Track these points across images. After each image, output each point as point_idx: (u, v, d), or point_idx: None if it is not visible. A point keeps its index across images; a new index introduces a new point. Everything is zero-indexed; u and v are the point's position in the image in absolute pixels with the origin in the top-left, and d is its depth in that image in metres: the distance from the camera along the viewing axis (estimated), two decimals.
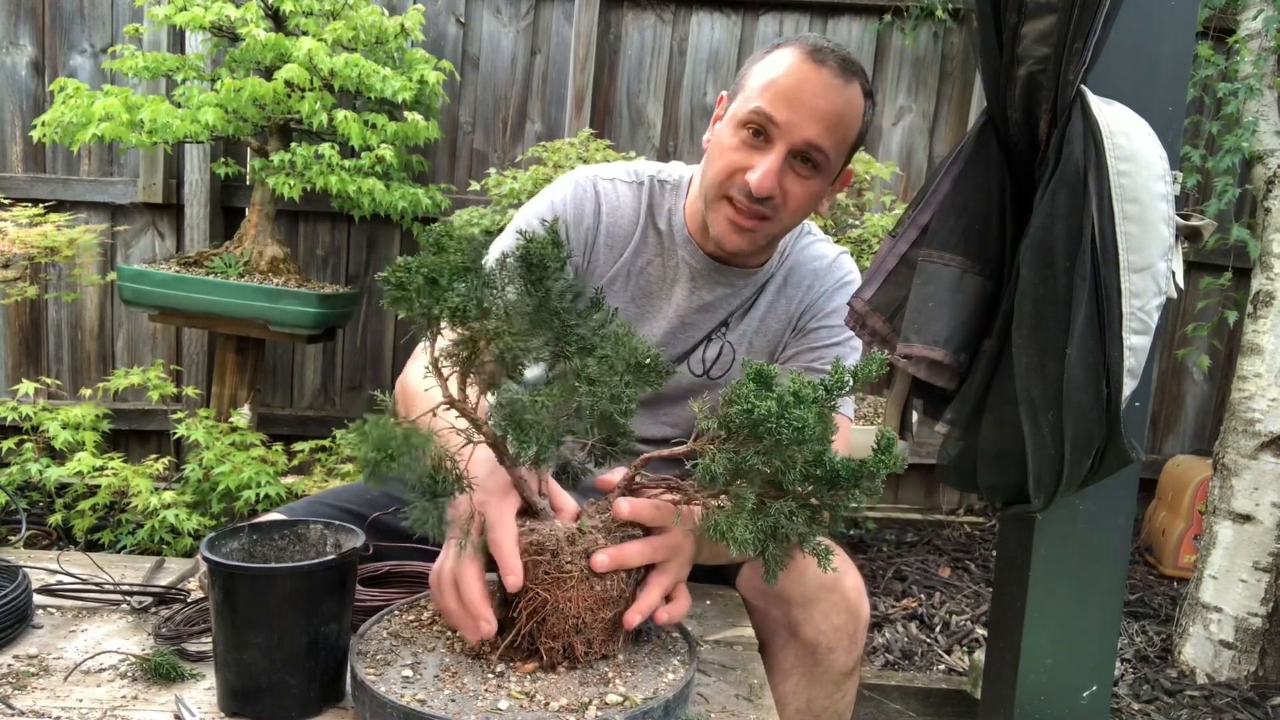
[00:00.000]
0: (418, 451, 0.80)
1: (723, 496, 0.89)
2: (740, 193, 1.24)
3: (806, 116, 1.21)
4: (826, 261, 1.42)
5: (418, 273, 0.80)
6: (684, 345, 1.39)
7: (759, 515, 0.86)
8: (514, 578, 0.85)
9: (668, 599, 0.96)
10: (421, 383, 1.13)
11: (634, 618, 0.90)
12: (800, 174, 1.25)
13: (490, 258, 1.31)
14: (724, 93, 1.34)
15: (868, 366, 0.90)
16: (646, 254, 1.38)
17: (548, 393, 0.85)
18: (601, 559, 0.87)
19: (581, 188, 1.37)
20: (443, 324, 0.84)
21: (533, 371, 0.88)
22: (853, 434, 1.40)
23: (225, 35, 2.89)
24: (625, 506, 0.91)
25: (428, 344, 0.86)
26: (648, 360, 0.89)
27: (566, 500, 0.95)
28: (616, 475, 0.98)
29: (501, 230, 1.48)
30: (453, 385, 0.86)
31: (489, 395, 0.89)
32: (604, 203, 1.37)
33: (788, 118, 1.21)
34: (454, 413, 0.86)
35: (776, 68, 1.23)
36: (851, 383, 0.89)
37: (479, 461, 0.88)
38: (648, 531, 0.94)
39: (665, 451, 0.95)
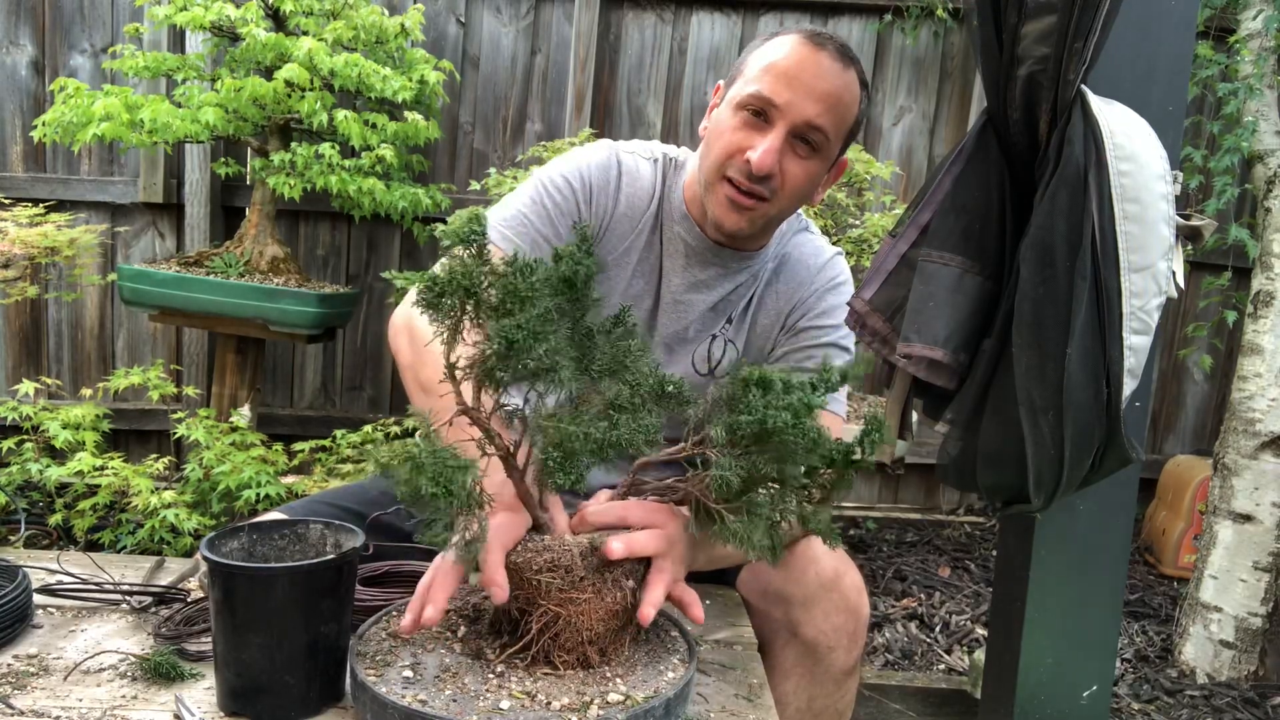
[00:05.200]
0: (466, 480, 0.80)
1: (726, 501, 0.90)
2: (740, 172, 1.24)
3: (806, 96, 1.22)
4: (821, 260, 1.42)
5: (457, 279, 0.80)
6: (677, 325, 1.39)
7: (769, 509, 0.88)
8: (499, 590, 0.86)
9: (671, 600, 0.96)
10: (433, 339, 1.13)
11: (649, 611, 0.91)
12: (799, 154, 1.25)
13: (508, 211, 1.32)
14: (720, 82, 1.34)
15: (856, 366, 0.91)
16: (658, 230, 1.39)
17: (594, 422, 0.85)
18: (616, 546, 0.88)
19: (607, 158, 1.38)
20: (466, 330, 0.84)
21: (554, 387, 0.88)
22: (854, 433, 1.40)
23: (225, 35, 2.89)
24: (619, 545, 0.90)
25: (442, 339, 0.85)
26: (670, 388, 0.91)
27: (562, 514, 0.96)
28: (601, 498, 0.99)
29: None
30: (465, 390, 0.86)
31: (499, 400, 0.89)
32: (625, 175, 1.38)
33: (788, 99, 1.22)
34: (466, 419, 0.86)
35: (776, 52, 1.24)
36: (840, 383, 0.91)
37: (490, 472, 0.88)
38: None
39: (664, 454, 0.95)
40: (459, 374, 0.85)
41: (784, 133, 1.23)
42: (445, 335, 0.84)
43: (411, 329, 1.23)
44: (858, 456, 0.91)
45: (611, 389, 0.88)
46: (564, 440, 0.84)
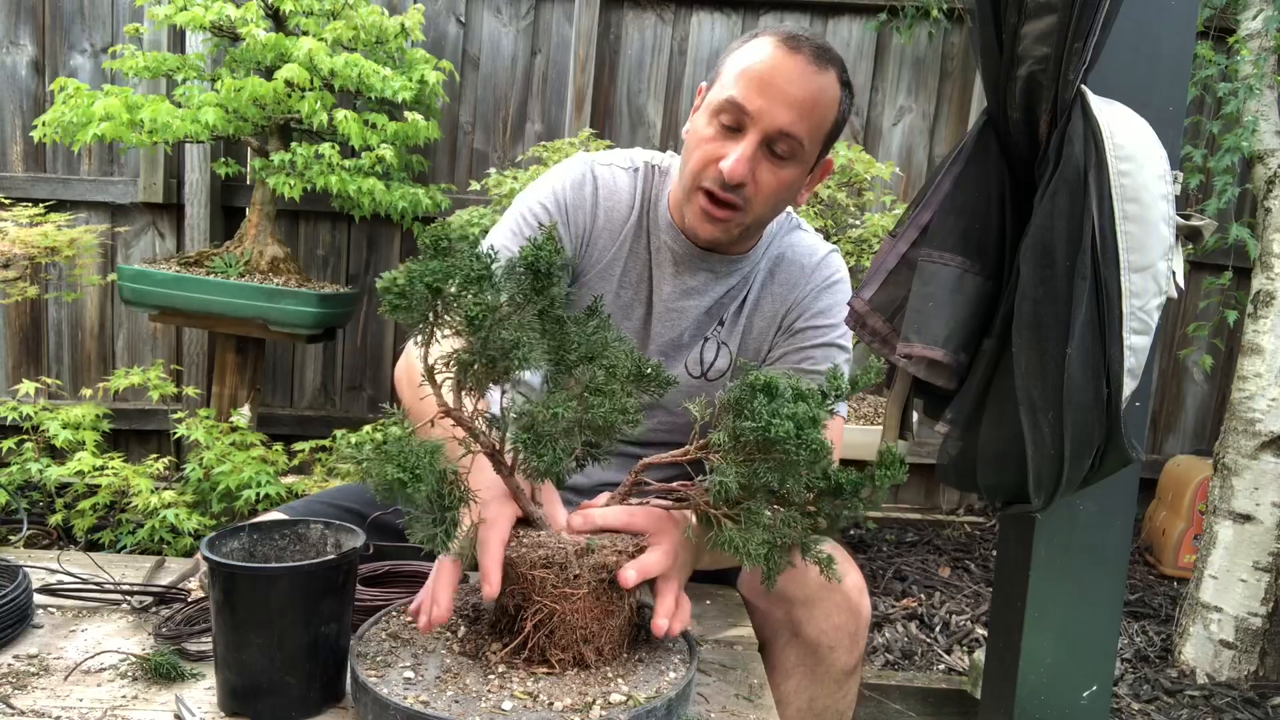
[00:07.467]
0: (437, 471, 0.80)
1: (725, 507, 0.90)
2: (714, 183, 1.24)
3: (779, 103, 1.20)
4: (815, 259, 1.41)
5: (420, 281, 0.80)
6: (671, 333, 1.38)
7: (768, 527, 0.88)
8: (490, 588, 0.86)
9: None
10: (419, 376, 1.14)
11: (666, 624, 0.91)
12: (773, 162, 1.24)
13: (488, 243, 1.34)
14: (703, 83, 1.33)
15: (865, 375, 0.91)
16: (642, 239, 1.38)
17: (564, 403, 0.85)
18: (630, 574, 0.88)
19: (581, 174, 1.38)
20: (441, 331, 0.84)
21: (530, 377, 0.88)
22: (854, 434, 1.41)
23: (225, 35, 2.89)
24: (633, 574, 0.89)
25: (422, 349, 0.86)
26: (649, 370, 0.90)
27: (559, 509, 0.96)
28: (601, 499, 1.00)
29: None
30: (446, 392, 0.87)
31: (484, 400, 0.89)
32: (601, 188, 1.38)
33: (760, 106, 1.20)
34: (450, 420, 0.86)
35: (751, 56, 1.22)
36: (850, 390, 0.91)
37: (477, 470, 0.88)
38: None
39: (667, 456, 0.95)
40: (438, 376, 0.85)
41: (757, 141, 1.21)
42: (420, 337, 0.84)
43: (410, 372, 1.24)
44: (876, 485, 0.90)
45: (586, 373, 0.88)
46: (534, 423, 0.84)
